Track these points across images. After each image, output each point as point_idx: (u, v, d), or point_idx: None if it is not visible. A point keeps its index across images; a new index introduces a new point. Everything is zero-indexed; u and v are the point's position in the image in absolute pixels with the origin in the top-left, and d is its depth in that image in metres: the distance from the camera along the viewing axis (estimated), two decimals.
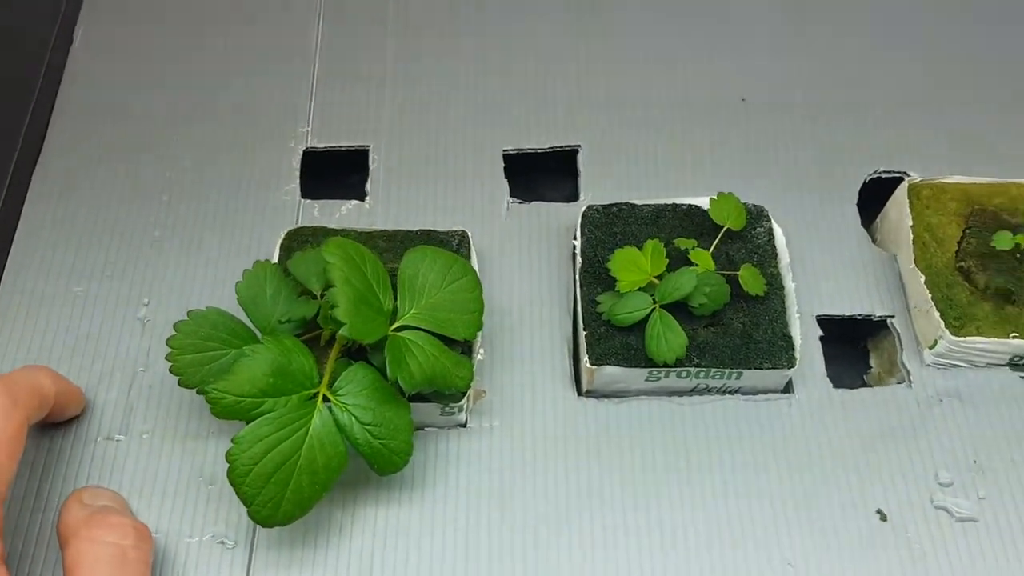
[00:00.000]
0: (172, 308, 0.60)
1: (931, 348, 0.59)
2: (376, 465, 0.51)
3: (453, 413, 0.56)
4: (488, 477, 0.56)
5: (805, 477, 0.56)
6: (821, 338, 0.61)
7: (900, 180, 0.64)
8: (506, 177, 0.67)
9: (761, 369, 0.56)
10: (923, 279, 0.59)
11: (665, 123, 0.70)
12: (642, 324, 0.56)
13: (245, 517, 0.49)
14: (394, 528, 0.54)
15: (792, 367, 0.56)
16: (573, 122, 0.70)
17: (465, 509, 0.54)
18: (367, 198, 0.66)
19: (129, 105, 0.70)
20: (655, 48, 0.74)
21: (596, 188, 0.67)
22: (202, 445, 0.56)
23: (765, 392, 0.59)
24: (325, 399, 0.50)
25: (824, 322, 0.62)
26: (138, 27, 0.74)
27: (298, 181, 0.66)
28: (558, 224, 0.65)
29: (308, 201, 0.66)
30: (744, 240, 0.60)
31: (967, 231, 0.61)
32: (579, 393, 0.59)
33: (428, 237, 0.61)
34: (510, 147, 0.68)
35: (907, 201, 0.62)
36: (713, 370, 0.56)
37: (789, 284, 0.59)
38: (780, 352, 0.56)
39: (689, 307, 0.56)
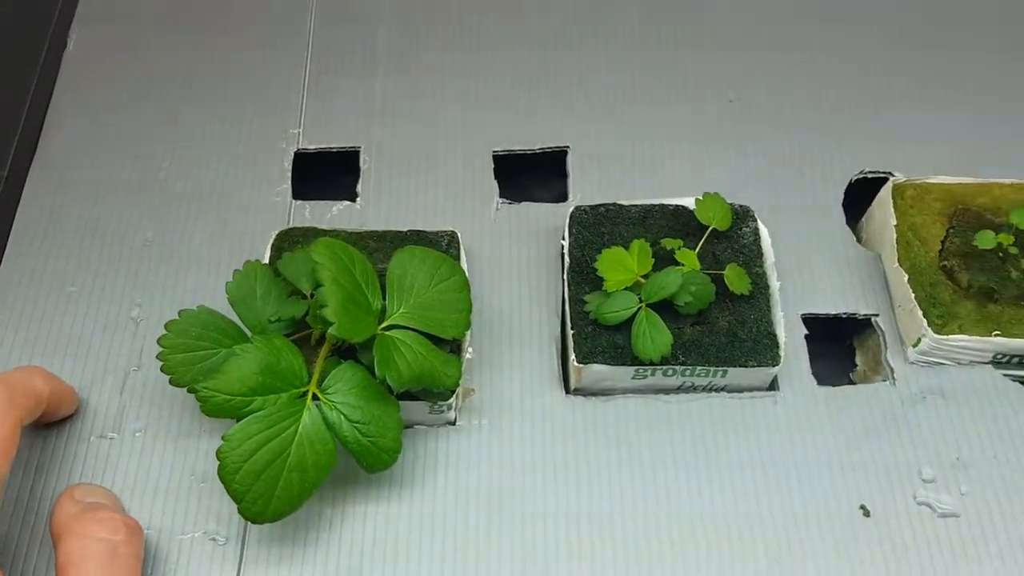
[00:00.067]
0: (165, 308, 0.61)
1: (915, 346, 0.59)
2: (365, 462, 0.52)
3: (442, 411, 0.56)
4: (477, 474, 0.56)
5: (790, 474, 0.56)
6: (807, 336, 0.62)
7: (885, 180, 0.65)
8: (498, 177, 0.68)
9: (746, 367, 0.57)
10: (906, 278, 0.60)
11: (653, 124, 0.70)
12: (629, 323, 0.57)
13: (236, 514, 0.50)
14: (383, 525, 0.54)
15: (777, 365, 0.57)
16: (562, 123, 0.70)
17: (454, 506, 0.55)
18: (358, 199, 0.67)
19: (122, 107, 0.70)
20: (643, 50, 0.74)
21: (585, 189, 0.67)
22: (194, 443, 0.57)
23: (750, 390, 0.59)
24: (314, 397, 0.51)
25: (809, 321, 0.62)
26: (131, 30, 0.75)
27: (290, 182, 0.67)
28: (547, 224, 0.65)
29: (299, 202, 0.66)
30: (730, 240, 0.61)
31: (950, 230, 0.62)
32: (567, 391, 0.59)
33: (418, 237, 0.61)
34: (500, 148, 0.69)
35: (891, 201, 0.63)
36: (699, 368, 0.57)
37: (774, 283, 0.59)
38: (765, 350, 0.57)
39: (675, 306, 0.57)
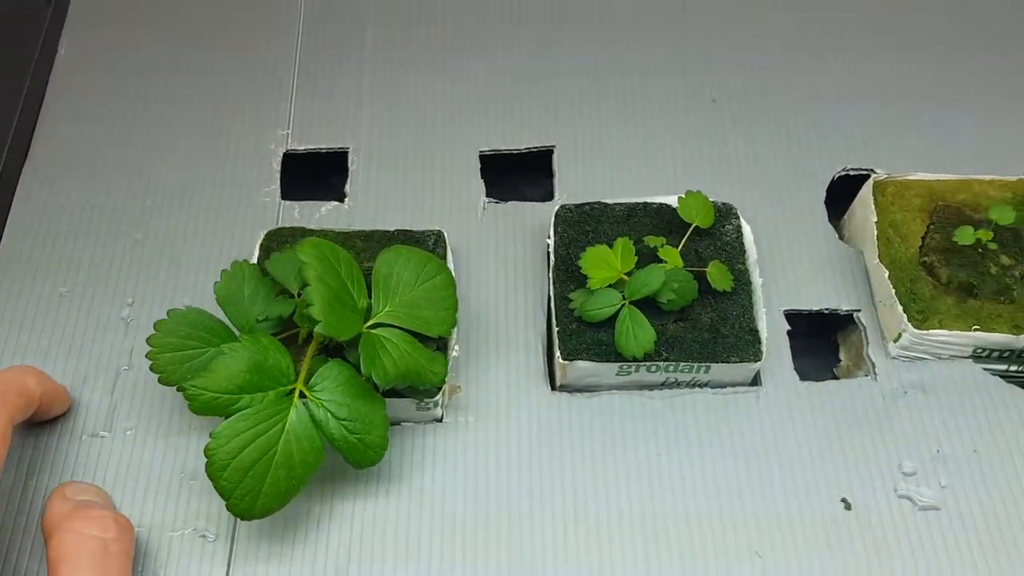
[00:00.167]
0: (155, 308, 0.62)
1: (895, 341, 0.60)
2: (352, 459, 0.52)
3: (429, 408, 0.57)
4: (464, 471, 0.57)
5: (772, 467, 0.57)
6: (792, 332, 0.63)
7: (867, 177, 0.66)
8: (487, 177, 0.69)
9: (728, 363, 0.57)
10: (887, 274, 0.61)
11: (638, 123, 0.71)
12: (612, 320, 0.57)
13: (225, 511, 0.50)
14: (371, 521, 0.55)
15: (759, 360, 0.58)
16: (548, 123, 0.71)
17: (441, 502, 0.56)
18: (346, 199, 0.67)
19: (113, 109, 0.71)
20: (628, 50, 0.75)
21: (571, 187, 0.68)
22: (184, 441, 0.57)
23: (733, 385, 0.60)
24: (301, 395, 0.52)
25: (793, 316, 0.63)
26: (122, 33, 0.75)
27: (278, 183, 0.68)
28: (533, 223, 0.66)
29: (288, 202, 0.67)
30: (713, 237, 0.62)
31: (931, 227, 0.62)
32: (553, 388, 0.60)
33: (405, 237, 0.62)
34: (486, 148, 0.70)
35: (872, 198, 0.63)
36: (682, 364, 0.58)
37: (756, 280, 0.60)
38: (747, 346, 0.58)
39: (658, 303, 0.58)
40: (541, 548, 0.54)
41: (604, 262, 0.58)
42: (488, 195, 0.68)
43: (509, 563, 0.54)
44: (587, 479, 0.57)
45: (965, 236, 0.60)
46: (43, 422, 0.57)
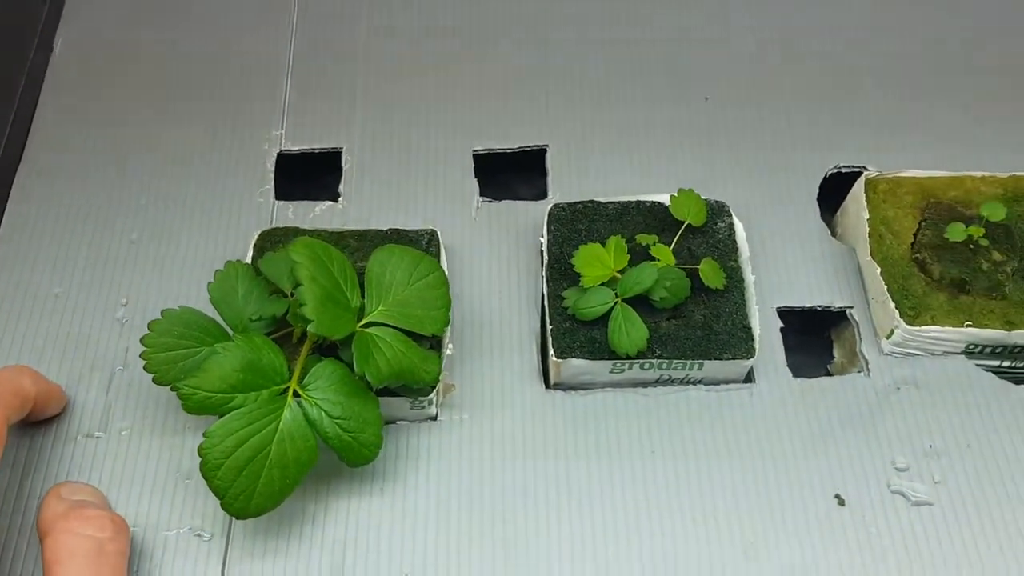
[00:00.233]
0: (149, 308, 0.62)
1: (888, 337, 0.60)
2: (346, 457, 0.52)
3: (423, 407, 0.57)
4: (458, 469, 0.57)
5: (766, 464, 0.57)
6: (783, 329, 0.63)
7: (860, 174, 0.66)
8: (482, 176, 0.69)
9: (721, 360, 0.58)
10: (879, 271, 0.61)
11: (631, 122, 0.71)
12: (606, 318, 0.57)
13: (221, 510, 0.50)
14: (366, 519, 0.55)
15: (751, 357, 0.58)
16: (541, 122, 0.71)
17: (436, 500, 0.56)
18: (340, 199, 0.67)
19: (107, 110, 0.71)
20: (621, 48, 0.75)
21: (564, 186, 0.68)
22: (179, 441, 0.57)
23: (727, 382, 0.60)
24: (295, 394, 0.52)
25: (786, 313, 0.63)
26: (116, 32, 0.76)
27: (272, 183, 0.68)
28: (526, 222, 0.66)
29: (282, 202, 0.67)
30: (706, 235, 0.62)
31: (923, 223, 0.63)
32: (547, 386, 0.60)
33: (398, 236, 0.62)
34: (480, 147, 0.70)
35: (864, 195, 0.63)
36: (675, 361, 0.58)
37: (749, 277, 0.60)
38: (740, 343, 0.58)
39: (651, 301, 0.58)
40: (536, 545, 0.55)
41: (597, 260, 0.58)
42: (482, 194, 0.68)
43: (504, 560, 0.54)
44: (581, 477, 0.57)
45: (957, 233, 0.60)
46: (38, 422, 0.58)
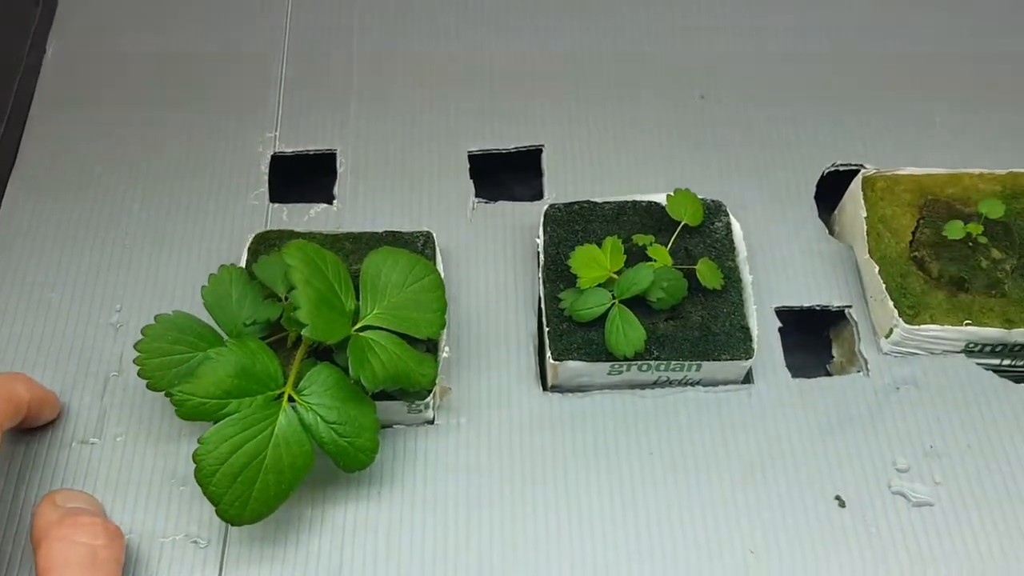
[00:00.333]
0: (144, 313, 0.62)
1: (887, 337, 0.60)
2: (342, 463, 0.52)
3: (420, 410, 0.57)
4: (456, 473, 0.57)
5: (765, 465, 0.57)
6: (781, 329, 0.62)
7: (857, 172, 0.66)
8: (478, 176, 0.68)
9: (719, 361, 0.57)
10: (877, 269, 0.60)
11: (627, 121, 0.71)
12: (603, 319, 0.57)
13: (217, 516, 0.50)
14: (363, 524, 0.55)
15: (750, 358, 0.57)
16: (536, 122, 0.71)
17: (433, 504, 0.56)
18: (335, 201, 0.67)
19: (100, 114, 0.71)
20: (615, 47, 0.75)
21: (560, 186, 0.68)
22: (174, 447, 0.57)
23: (725, 383, 0.60)
24: (290, 399, 0.51)
25: (784, 313, 0.63)
26: (109, 40, 0.75)
27: (267, 186, 0.68)
28: (523, 223, 0.66)
29: (277, 205, 0.67)
30: (703, 235, 0.62)
31: (921, 221, 0.62)
32: (544, 388, 0.60)
33: (393, 238, 0.62)
34: (475, 148, 0.69)
35: (861, 193, 0.63)
36: (673, 362, 0.57)
37: (747, 277, 0.60)
38: (738, 344, 0.58)
39: (648, 302, 0.57)
40: (535, 548, 0.54)
41: (593, 261, 0.58)
42: (478, 195, 0.68)
43: (503, 564, 0.54)
44: (579, 479, 0.57)
45: (955, 230, 0.60)
46: (33, 429, 0.57)
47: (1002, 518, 0.55)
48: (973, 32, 0.76)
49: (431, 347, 0.57)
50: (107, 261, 0.64)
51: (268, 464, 0.50)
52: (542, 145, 0.70)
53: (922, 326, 0.59)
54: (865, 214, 0.62)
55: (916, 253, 0.61)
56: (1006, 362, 0.61)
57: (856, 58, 0.75)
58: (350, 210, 0.67)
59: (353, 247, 0.61)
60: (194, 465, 0.49)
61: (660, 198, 0.63)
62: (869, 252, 0.61)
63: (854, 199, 0.64)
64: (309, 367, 0.52)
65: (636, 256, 0.59)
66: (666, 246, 0.59)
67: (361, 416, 0.52)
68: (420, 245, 0.61)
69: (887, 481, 0.57)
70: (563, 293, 0.59)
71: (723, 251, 0.61)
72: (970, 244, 0.60)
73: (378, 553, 0.54)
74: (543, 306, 0.59)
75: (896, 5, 0.78)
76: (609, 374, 0.58)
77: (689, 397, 0.59)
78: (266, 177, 0.68)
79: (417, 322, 0.55)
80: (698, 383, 0.60)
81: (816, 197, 0.68)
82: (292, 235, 0.61)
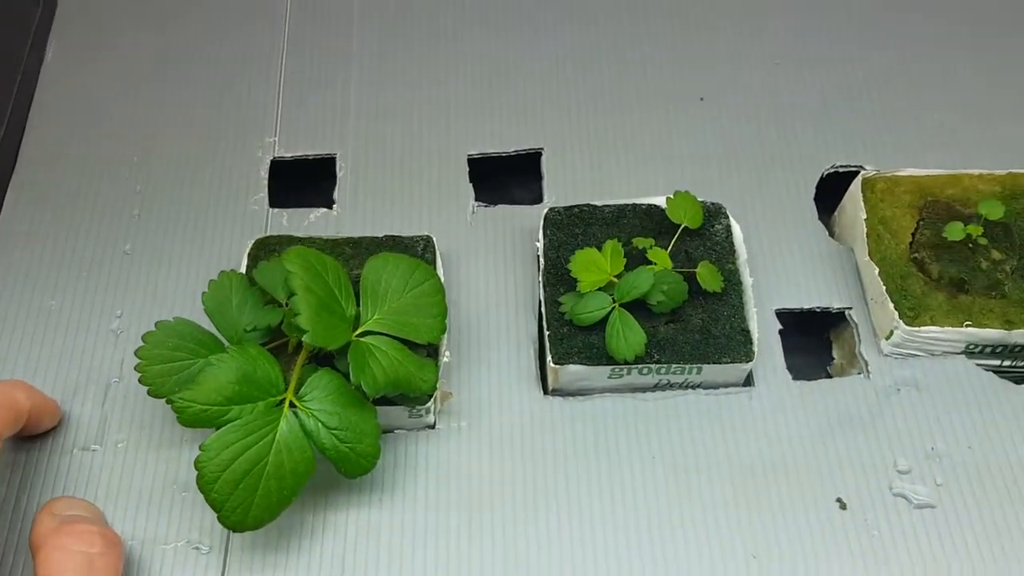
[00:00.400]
0: (145, 319, 0.62)
1: (887, 338, 0.60)
2: (344, 469, 0.52)
3: (421, 415, 0.57)
4: (457, 477, 0.57)
5: (766, 468, 0.57)
6: (785, 330, 0.62)
7: (857, 173, 0.65)
8: (478, 180, 0.68)
9: (720, 363, 0.57)
10: (877, 271, 0.60)
11: (626, 124, 0.71)
12: (603, 323, 0.57)
13: (218, 523, 0.50)
14: (365, 530, 0.55)
15: (750, 361, 0.57)
16: (536, 125, 0.71)
17: (435, 509, 0.56)
18: (335, 205, 0.67)
19: (100, 120, 0.71)
20: (615, 49, 0.75)
21: (560, 189, 0.68)
22: (176, 453, 0.57)
23: (726, 386, 0.60)
24: (291, 405, 0.51)
25: (784, 315, 0.63)
26: (108, 43, 0.75)
27: (266, 191, 0.67)
28: (523, 226, 0.66)
29: (277, 210, 0.67)
30: (703, 237, 0.62)
31: (920, 222, 0.62)
32: (545, 392, 0.60)
33: (393, 243, 0.62)
34: (475, 151, 0.69)
35: (861, 195, 0.63)
36: (673, 366, 0.57)
37: (747, 280, 0.60)
38: (738, 346, 0.58)
39: (648, 305, 0.57)
40: (536, 553, 0.54)
41: (593, 265, 0.58)
42: (478, 198, 0.68)
43: (504, 567, 0.54)
44: (581, 483, 0.57)
45: (955, 232, 0.60)
46: (34, 436, 0.57)
47: (1003, 519, 0.55)
48: (973, 33, 0.76)
49: (432, 352, 0.57)
50: (107, 267, 0.64)
51: (270, 470, 0.50)
52: (542, 148, 0.70)
53: (922, 328, 0.59)
54: (865, 216, 0.62)
55: (916, 254, 0.61)
56: (1006, 363, 0.61)
57: (855, 60, 0.75)
58: (350, 214, 0.67)
59: (353, 252, 0.61)
60: (195, 472, 0.49)
61: (660, 201, 0.63)
62: (869, 254, 0.61)
63: (854, 200, 0.64)
64: (310, 373, 0.52)
65: (636, 259, 0.59)
66: (666, 249, 0.59)
67: (362, 422, 0.52)
68: (420, 249, 0.61)
69: (888, 483, 0.57)
70: (563, 297, 0.59)
71: (723, 254, 0.61)
72: (970, 245, 0.60)
73: (380, 558, 0.54)
74: (543, 310, 0.59)
75: (896, 7, 0.78)
76: (610, 378, 0.58)
77: (690, 400, 0.59)
78: (266, 182, 0.68)
79: (418, 327, 0.55)
80: (699, 386, 0.60)
81: (816, 199, 0.68)
82: (292, 240, 0.61)
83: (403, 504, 0.56)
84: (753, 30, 0.76)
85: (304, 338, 0.50)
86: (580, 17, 0.77)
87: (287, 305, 0.54)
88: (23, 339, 0.61)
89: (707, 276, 0.58)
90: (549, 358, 0.57)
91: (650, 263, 0.58)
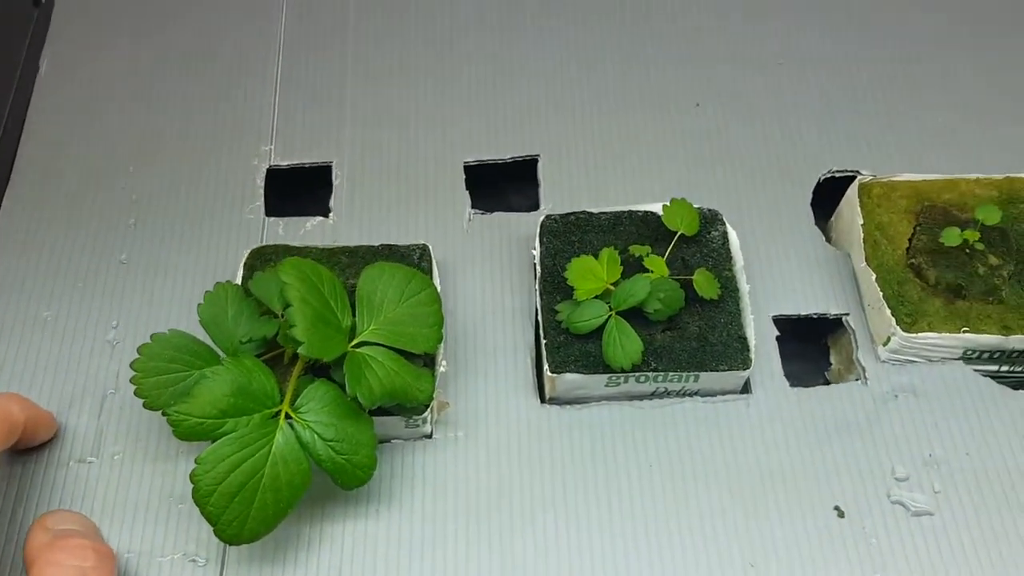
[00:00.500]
0: (141, 330, 0.61)
1: (885, 345, 0.60)
2: (340, 480, 0.52)
3: (418, 425, 0.57)
4: (454, 487, 0.56)
5: (764, 476, 0.57)
6: (782, 337, 0.62)
7: (853, 179, 0.65)
8: (475, 187, 0.68)
9: (717, 371, 0.57)
10: (874, 277, 0.60)
11: (622, 130, 0.71)
12: (600, 331, 0.57)
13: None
14: (362, 541, 0.55)
15: (747, 368, 0.57)
16: (532, 132, 0.71)
17: (432, 520, 0.55)
18: (331, 214, 0.67)
19: (95, 130, 0.71)
20: (610, 57, 0.75)
21: (557, 196, 0.68)
22: (172, 465, 0.57)
23: (723, 393, 0.60)
24: (287, 417, 0.51)
25: (782, 321, 0.63)
26: (104, 53, 0.75)
27: (262, 199, 0.67)
28: (519, 234, 0.66)
29: (273, 219, 0.67)
30: (699, 244, 0.61)
31: (917, 228, 0.62)
32: (542, 401, 0.60)
33: (389, 252, 0.62)
34: (471, 159, 0.69)
35: (858, 200, 0.63)
36: (670, 373, 0.57)
37: (744, 286, 0.60)
38: (735, 354, 0.57)
39: (645, 313, 0.57)
40: (534, 561, 0.54)
41: (590, 273, 0.58)
42: (474, 205, 0.68)
43: None
44: (578, 491, 0.56)
45: (952, 237, 0.59)
46: (29, 449, 0.57)
47: (1001, 526, 0.55)
48: (973, 35, 0.76)
49: (428, 361, 0.57)
50: (103, 278, 0.64)
51: (266, 483, 0.50)
52: (538, 155, 0.69)
53: (920, 334, 0.59)
54: (862, 221, 0.62)
55: (913, 260, 0.61)
56: (1004, 368, 0.61)
57: (852, 64, 0.74)
58: (346, 223, 0.66)
59: (349, 261, 0.61)
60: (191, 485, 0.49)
61: (656, 208, 0.63)
62: (866, 260, 0.61)
63: (850, 206, 0.64)
64: (306, 384, 0.52)
65: (633, 267, 0.59)
66: (663, 256, 0.59)
67: (358, 433, 0.52)
68: (416, 258, 0.61)
69: (886, 490, 0.56)
70: (560, 305, 0.59)
71: (720, 260, 0.61)
72: (967, 251, 0.60)
73: (377, 569, 0.54)
74: (540, 318, 0.59)
75: (894, 10, 0.78)
76: (607, 386, 0.58)
77: (687, 408, 0.59)
78: (262, 191, 0.68)
79: (414, 337, 0.55)
80: (696, 393, 0.59)
81: (812, 204, 0.67)
82: (288, 250, 0.61)
83: (400, 514, 0.56)
84: (750, 34, 0.76)
85: (300, 350, 0.50)
86: (576, 22, 0.77)
87: (283, 316, 0.54)
88: (19, 349, 0.61)
89: (704, 283, 0.58)
90: (546, 367, 0.57)
91: (647, 270, 0.58)
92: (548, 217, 0.63)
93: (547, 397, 0.60)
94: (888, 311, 0.59)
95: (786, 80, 0.73)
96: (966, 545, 0.55)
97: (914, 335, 0.58)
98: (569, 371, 0.57)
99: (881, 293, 0.60)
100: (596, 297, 0.57)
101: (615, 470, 0.57)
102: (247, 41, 0.75)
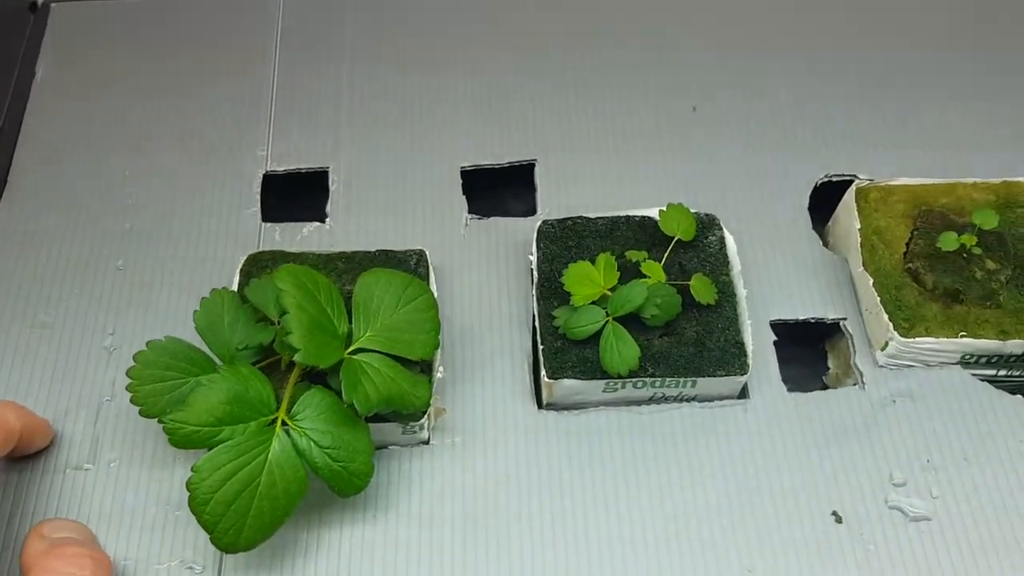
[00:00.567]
0: (137, 336, 0.61)
1: (882, 349, 0.60)
2: (337, 488, 0.52)
3: (415, 431, 0.57)
4: (451, 493, 0.56)
5: (761, 481, 0.57)
6: (779, 342, 0.62)
7: (850, 183, 0.65)
8: (472, 192, 0.68)
9: (715, 376, 0.57)
10: (872, 281, 0.60)
11: (619, 135, 0.71)
12: (597, 337, 0.57)
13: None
14: (359, 547, 0.54)
15: (745, 374, 0.57)
16: (529, 137, 0.71)
17: (429, 526, 0.55)
18: (327, 219, 0.67)
19: (91, 136, 0.71)
20: (607, 62, 0.75)
21: (553, 201, 0.68)
22: (169, 472, 0.57)
23: (721, 399, 0.60)
24: (284, 424, 0.51)
25: (779, 326, 0.63)
26: (99, 60, 0.75)
27: (259, 205, 0.67)
28: (516, 239, 0.66)
29: (269, 225, 0.66)
30: (696, 249, 0.61)
31: (915, 232, 0.62)
32: (539, 406, 0.60)
33: (386, 257, 0.61)
34: (467, 163, 0.69)
35: (855, 204, 0.63)
36: (668, 379, 0.57)
37: (741, 291, 0.60)
38: (733, 359, 0.57)
39: (642, 318, 0.57)
40: (531, 568, 0.54)
41: (587, 278, 0.58)
42: (471, 210, 0.67)
43: None
44: (576, 497, 0.56)
45: (949, 242, 0.59)
46: (25, 456, 0.57)
47: (999, 531, 0.55)
48: (964, 41, 0.76)
49: (425, 368, 0.57)
50: (99, 284, 0.64)
51: (262, 491, 0.50)
52: (535, 159, 0.69)
53: (917, 339, 0.58)
54: (859, 225, 0.62)
55: (910, 265, 0.61)
56: (1002, 373, 0.61)
57: (849, 68, 0.74)
58: (343, 228, 0.66)
59: (346, 267, 0.61)
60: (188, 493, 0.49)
61: (653, 213, 0.63)
62: (863, 264, 0.61)
63: (847, 210, 0.64)
64: (302, 391, 0.52)
65: (630, 272, 0.59)
66: (660, 261, 0.59)
67: (355, 440, 0.52)
68: (413, 264, 0.61)
69: (884, 496, 0.56)
70: (557, 311, 0.59)
71: (717, 265, 0.61)
72: (964, 255, 0.60)
73: (375, 575, 0.54)
74: (537, 324, 0.59)
75: (892, 14, 0.78)
76: (604, 391, 0.58)
77: (685, 413, 0.59)
78: (258, 196, 0.68)
79: (411, 343, 0.55)
80: (693, 399, 0.59)
81: (809, 208, 0.67)
82: (285, 256, 0.61)
83: (397, 520, 0.55)
84: (746, 39, 0.76)
85: (296, 357, 0.50)
86: (573, 28, 0.77)
87: (279, 323, 0.54)
88: (15, 357, 0.61)
89: (701, 289, 0.58)
90: (543, 372, 0.57)
91: (644, 276, 0.58)
92: (545, 222, 0.63)
93: (544, 403, 0.60)
94: (886, 316, 0.59)
95: (783, 85, 0.73)
96: (964, 550, 0.55)
97: (912, 340, 0.58)
98: (566, 377, 0.57)
99: (879, 298, 0.60)
100: (593, 302, 0.57)
101: (612, 475, 0.57)
102: (244, 47, 0.75)
